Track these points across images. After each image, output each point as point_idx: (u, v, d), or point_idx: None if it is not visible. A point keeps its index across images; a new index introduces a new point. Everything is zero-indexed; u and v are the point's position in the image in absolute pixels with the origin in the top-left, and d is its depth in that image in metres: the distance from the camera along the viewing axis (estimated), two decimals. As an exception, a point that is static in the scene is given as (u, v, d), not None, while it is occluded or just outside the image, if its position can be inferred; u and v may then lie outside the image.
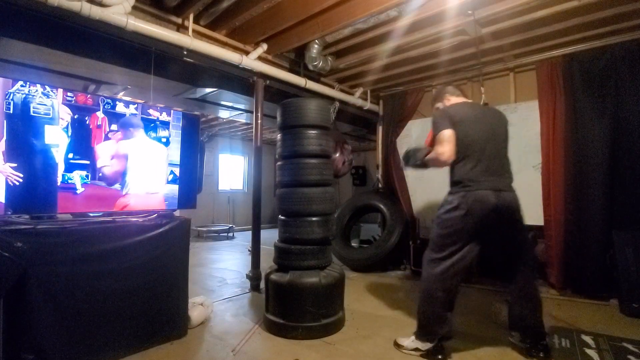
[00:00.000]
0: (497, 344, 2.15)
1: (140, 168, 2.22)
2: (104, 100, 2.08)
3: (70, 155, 1.94)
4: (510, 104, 3.67)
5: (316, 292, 2.28)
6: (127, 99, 2.57)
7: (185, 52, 2.83)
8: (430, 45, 3.35)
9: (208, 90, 3.88)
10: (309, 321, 2.26)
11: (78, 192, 1.96)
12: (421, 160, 2.09)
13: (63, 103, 1.91)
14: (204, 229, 7.09)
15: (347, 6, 2.71)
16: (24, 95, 1.78)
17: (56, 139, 1.88)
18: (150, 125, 2.28)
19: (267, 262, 2.82)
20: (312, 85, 3.81)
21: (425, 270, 2.02)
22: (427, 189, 4.17)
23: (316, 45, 3.34)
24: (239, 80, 3.51)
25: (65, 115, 1.92)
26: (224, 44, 3.19)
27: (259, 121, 3.38)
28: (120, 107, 2.14)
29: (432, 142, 2.04)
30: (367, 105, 4.67)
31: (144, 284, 2.06)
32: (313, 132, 2.45)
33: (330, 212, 2.53)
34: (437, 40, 3.25)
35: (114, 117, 2.11)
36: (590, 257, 3.04)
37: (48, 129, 1.85)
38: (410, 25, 2.94)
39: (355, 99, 4.49)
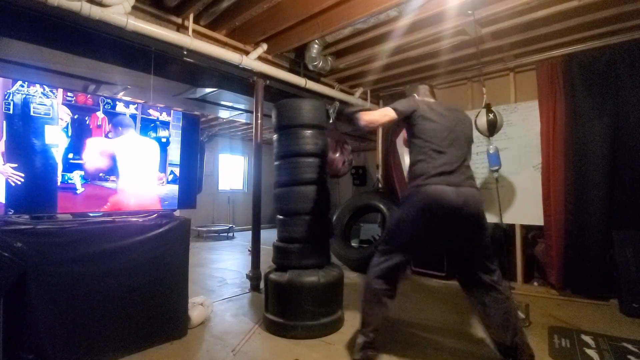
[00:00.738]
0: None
1: (131, 166, 2.19)
2: (104, 100, 2.08)
3: (70, 155, 1.94)
4: (510, 104, 3.67)
5: (315, 291, 2.29)
6: (127, 99, 2.57)
7: (185, 52, 2.83)
8: (430, 45, 3.35)
9: (208, 90, 3.89)
10: (308, 320, 2.26)
11: (78, 192, 1.96)
12: (352, 113, 2.02)
13: (63, 103, 1.91)
14: (204, 229, 7.09)
15: (347, 6, 2.71)
16: (24, 96, 1.78)
17: (56, 139, 1.88)
18: (150, 125, 2.28)
19: (267, 262, 2.82)
20: (312, 85, 3.82)
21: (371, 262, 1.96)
22: (427, 189, 4.16)
23: (316, 45, 3.34)
24: (239, 80, 3.51)
25: (65, 115, 1.92)
26: (224, 44, 3.19)
27: (259, 121, 3.39)
28: (120, 107, 2.14)
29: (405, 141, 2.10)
30: (367, 105, 4.67)
31: (144, 284, 2.07)
32: (308, 131, 2.47)
33: (328, 210, 2.54)
34: (437, 40, 3.25)
35: (114, 117, 2.11)
36: (590, 257, 3.04)
37: (48, 129, 1.85)
38: (410, 25, 2.94)
39: (355, 99, 4.49)
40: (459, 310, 2.72)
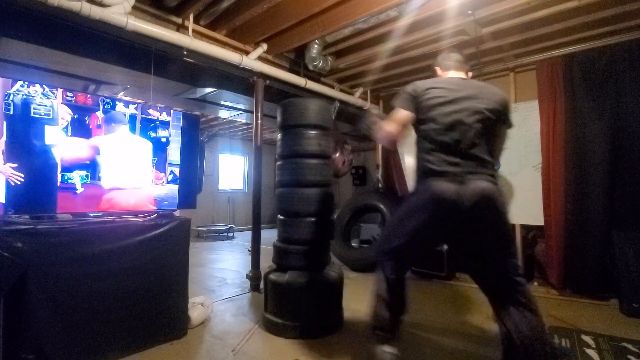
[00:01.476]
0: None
1: (119, 164, 2.16)
2: (103, 100, 2.08)
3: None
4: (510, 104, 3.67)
5: (315, 291, 2.28)
6: (127, 99, 2.57)
7: (185, 52, 2.83)
8: (430, 45, 3.35)
9: (208, 90, 3.89)
10: (307, 321, 2.26)
11: (78, 192, 1.96)
12: (368, 127, 1.84)
13: (63, 103, 1.91)
14: (204, 229, 7.09)
15: (347, 6, 2.71)
16: (24, 96, 1.78)
17: (56, 139, 1.88)
18: (150, 125, 2.28)
19: (267, 262, 2.82)
20: (312, 85, 3.82)
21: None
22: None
23: (316, 45, 3.34)
24: (239, 80, 3.51)
25: (65, 115, 1.91)
26: (224, 44, 3.19)
27: (259, 121, 3.38)
28: (120, 107, 2.14)
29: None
30: (367, 105, 4.67)
31: (144, 284, 2.06)
32: (313, 132, 2.45)
33: (330, 213, 2.53)
34: (437, 40, 3.25)
35: (106, 113, 2.10)
36: (590, 257, 3.04)
37: (48, 130, 1.85)
38: (410, 25, 2.94)
39: (355, 99, 4.49)
40: (459, 310, 2.72)
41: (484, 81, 2.90)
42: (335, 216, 4.67)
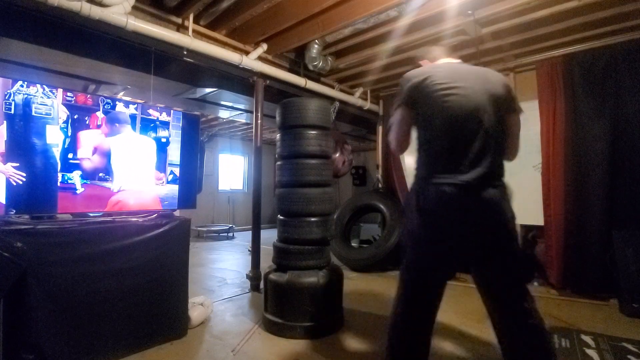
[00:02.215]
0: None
1: (128, 164, 2.18)
2: (103, 100, 2.08)
3: (70, 155, 1.93)
4: (510, 104, 3.67)
5: (315, 291, 2.28)
6: (127, 99, 2.57)
7: (185, 52, 2.83)
8: (430, 46, 3.35)
9: (208, 90, 3.88)
10: (307, 321, 2.26)
11: (78, 192, 1.96)
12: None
13: (63, 103, 1.91)
14: (204, 229, 7.09)
15: (347, 6, 2.71)
16: (25, 96, 1.78)
17: (57, 139, 1.88)
18: (150, 125, 2.28)
19: (267, 262, 2.82)
20: (312, 85, 3.82)
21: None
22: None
23: (316, 45, 3.34)
24: (239, 80, 3.51)
25: (64, 115, 1.91)
26: (224, 44, 3.19)
27: (259, 121, 3.38)
28: (120, 107, 2.14)
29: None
30: (367, 105, 4.67)
31: (144, 284, 2.06)
32: (313, 132, 2.45)
33: (329, 213, 2.53)
34: (437, 40, 3.25)
35: (109, 113, 2.10)
36: (590, 257, 3.05)
37: (49, 129, 1.85)
38: (410, 25, 2.94)
39: (355, 99, 4.49)
40: (459, 311, 2.72)
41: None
42: (335, 216, 4.67)
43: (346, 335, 2.31)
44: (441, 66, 1.55)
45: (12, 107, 1.74)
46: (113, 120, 2.11)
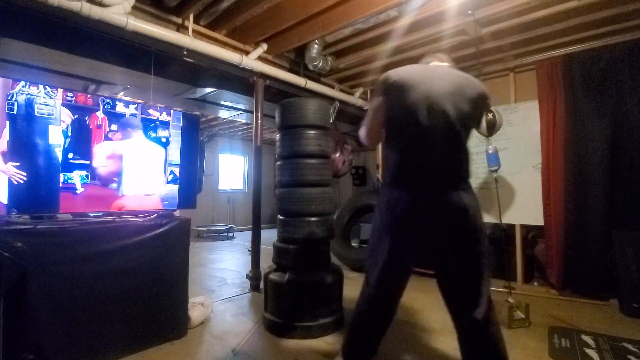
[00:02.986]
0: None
1: (137, 169, 2.20)
2: (104, 101, 2.08)
3: (70, 155, 1.94)
4: (510, 104, 3.67)
5: (314, 291, 2.29)
6: (127, 99, 2.57)
7: (185, 52, 2.83)
8: (430, 45, 3.35)
9: (208, 90, 3.88)
10: (307, 321, 2.26)
11: (78, 192, 1.96)
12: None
13: (63, 103, 1.91)
14: (204, 229, 7.09)
15: (347, 6, 2.71)
16: (28, 96, 1.78)
17: (58, 139, 1.89)
18: (150, 125, 2.28)
19: (267, 262, 2.82)
20: (312, 85, 3.82)
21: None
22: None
23: (316, 45, 3.34)
24: (239, 80, 3.51)
25: (64, 115, 1.92)
26: (224, 44, 3.19)
27: (259, 121, 3.39)
28: (120, 107, 2.14)
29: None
30: (367, 105, 4.67)
31: (144, 284, 2.07)
32: (312, 132, 2.45)
33: (329, 213, 2.53)
34: (437, 40, 3.25)
35: (114, 117, 2.11)
36: (590, 257, 3.04)
37: (51, 129, 1.86)
38: (410, 25, 2.94)
39: (355, 99, 4.49)
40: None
41: (484, 81, 2.91)
42: (335, 216, 4.67)
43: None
44: (418, 67, 1.55)
45: (15, 107, 1.74)
46: (125, 125, 2.13)
